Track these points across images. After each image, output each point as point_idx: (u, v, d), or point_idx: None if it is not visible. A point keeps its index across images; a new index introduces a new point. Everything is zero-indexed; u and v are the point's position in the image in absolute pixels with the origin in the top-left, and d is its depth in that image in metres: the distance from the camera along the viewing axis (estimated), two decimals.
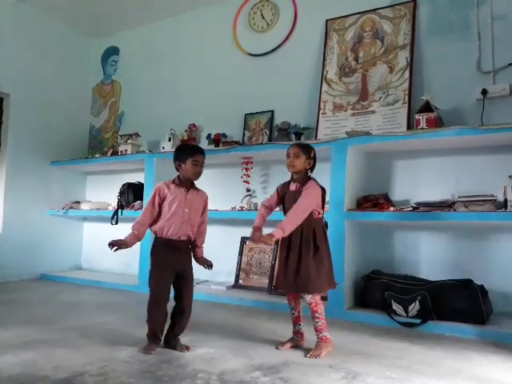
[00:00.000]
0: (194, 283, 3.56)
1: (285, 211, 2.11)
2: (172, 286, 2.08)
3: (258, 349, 2.06)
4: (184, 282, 2.08)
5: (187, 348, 2.02)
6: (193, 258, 2.17)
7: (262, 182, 3.66)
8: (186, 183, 2.12)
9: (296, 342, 2.11)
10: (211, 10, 4.18)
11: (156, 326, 2.02)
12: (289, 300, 2.12)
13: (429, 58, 3.10)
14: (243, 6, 4.00)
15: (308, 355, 1.95)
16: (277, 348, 2.06)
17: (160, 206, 2.08)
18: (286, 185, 2.15)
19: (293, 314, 2.12)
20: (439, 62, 3.06)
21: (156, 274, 2.05)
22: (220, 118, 3.94)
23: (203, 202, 2.18)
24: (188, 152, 2.11)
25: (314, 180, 2.09)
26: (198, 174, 2.12)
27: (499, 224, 2.61)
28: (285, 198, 2.12)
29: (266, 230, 2.06)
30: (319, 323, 2.01)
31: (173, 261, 2.05)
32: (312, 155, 2.09)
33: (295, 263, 2.00)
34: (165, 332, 2.06)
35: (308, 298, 2.00)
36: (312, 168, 2.12)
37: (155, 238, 2.10)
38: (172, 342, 2.03)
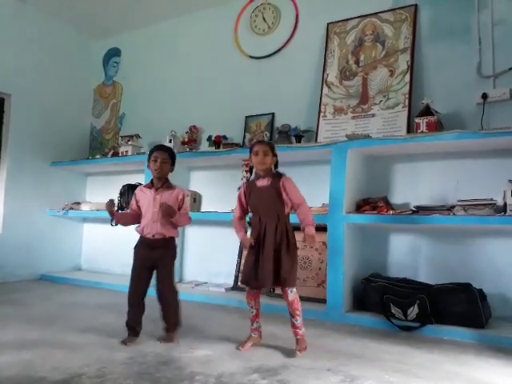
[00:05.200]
0: (193, 285, 3.62)
1: (253, 206, 2.15)
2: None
3: (256, 351, 2.05)
4: (159, 276, 2.19)
5: (167, 340, 2.09)
6: (173, 256, 2.26)
7: None
8: (157, 183, 2.24)
9: (255, 340, 2.14)
10: (213, 12, 4.19)
11: (129, 317, 2.17)
12: (249, 299, 2.13)
13: (429, 62, 3.11)
14: (245, 9, 4.01)
15: (299, 353, 1.98)
16: (237, 349, 2.06)
17: (139, 208, 2.26)
18: (251, 183, 2.19)
19: (252, 312, 2.14)
20: (440, 66, 3.06)
21: (132, 269, 2.22)
22: (221, 120, 3.95)
23: (176, 199, 2.22)
24: (151, 151, 2.27)
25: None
26: (158, 171, 2.20)
27: (498, 228, 2.61)
28: (251, 196, 2.15)
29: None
30: (299, 321, 2.06)
31: (148, 257, 2.18)
32: (275, 152, 2.18)
33: (273, 259, 2.02)
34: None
35: (291, 295, 2.04)
36: (276, 164, 2.20)
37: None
38: (162, 334, 2.14)
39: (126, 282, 3.68)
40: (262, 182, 2.14)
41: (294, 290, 2.06)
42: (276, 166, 2.20)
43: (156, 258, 2.17)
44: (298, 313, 2.05)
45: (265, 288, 2.10)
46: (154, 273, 2.22)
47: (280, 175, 2.14)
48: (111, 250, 4.40)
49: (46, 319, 2.59)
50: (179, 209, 2.22)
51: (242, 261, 3.59)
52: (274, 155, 2.16)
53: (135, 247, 2.25)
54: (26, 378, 1.65)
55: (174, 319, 2.16)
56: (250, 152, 2.16)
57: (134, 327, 2.16)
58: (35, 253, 4.22)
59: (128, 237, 3.98)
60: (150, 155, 2.25)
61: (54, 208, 4.37)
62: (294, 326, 2.08)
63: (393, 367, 1.89)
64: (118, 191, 4.01)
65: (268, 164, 2.12)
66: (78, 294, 3.53)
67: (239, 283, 2.16)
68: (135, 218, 2.27)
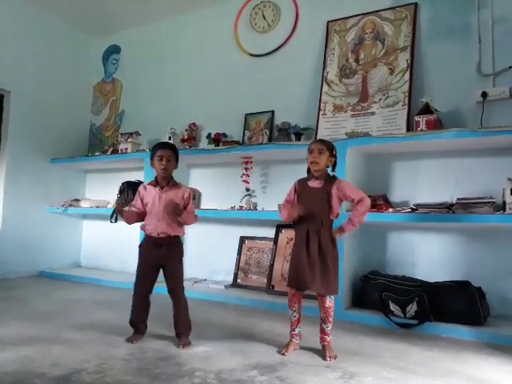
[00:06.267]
0: (192, 282, 3.62)
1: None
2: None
3: (255, 348, 2.06)
4: (168, 277, 2.16)
5: (184, 345, 2.04)
6: (180, 254, 2.22)
7: (262, 182, 3.67)
8: (162, 182, 2.20)
9: (296, 344, 2.08)
10: (213, 9, 4.18)
11: (133, 315, 2.17)
12: (293, 302, 2.07)
13: (429, 61, 3.11)
14: (245, 7, 4.01)
15: (328, 359, 1.93)
16: (282, 354, 1.98)
17: (143, 206, 2.22)
18: (304, 181, 2.10)
19: (294, 316, 2.08)
20: (439, 65, 3.06)
21: (138, 268, 2.20)
22: (220, 117, 3.95)
23: (182, 197, 2.19)
24: (154, 149, 2.22)
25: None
26: (164, 170, 2.16)
27: (497, 226, 2.62)
28: (301, 195, 2.08)
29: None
30: (329, 327, 2.03)
31: (154, 256, 2.15)
32: (334, 153, 2.08)
33: (320, 263, 1.97)
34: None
35: (328, 301, 2.01)
36: (334, 166, 2.11)
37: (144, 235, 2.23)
38: (177, 337, 2.12)
39: (125, 279, 3.74)
40: (314, 184, 2.05)
41: (333, 297, 2.02)
42: (334, 168, 2.10)
43: (163, 257, 2.13)
44: (330, 319, 2.01)
45: (313, 289, 2.00)
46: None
47: (334, 179, 2.05)
48: (110, 246, 4.41)
49: (46, 315, 2.60)
50: (185, 207, 2.17)
51: (242, 258, 3.61)
52: (332, 156, 2.05)
53: (140, 246, 2.22)
54: (26, 374, 1.65)
55: (188, 323, 2.13)
56: (308, 151, 2.07)
57: (137, 325, 2.15)
58: (35, 249, 4.22)
59: (127, 234, 4.00)
60: (153, 153, 2.19)
61: (54, 205, 4.36)
62: (323, 331, 2.03)
63: (391, 364, 1.89)
64: (118, 188, 4.01)
65: (322, 164, 2.02)
66: (77, 290, 3.53)
67: (287, 287, 2.12)
68: (140, 216, 2.22)
